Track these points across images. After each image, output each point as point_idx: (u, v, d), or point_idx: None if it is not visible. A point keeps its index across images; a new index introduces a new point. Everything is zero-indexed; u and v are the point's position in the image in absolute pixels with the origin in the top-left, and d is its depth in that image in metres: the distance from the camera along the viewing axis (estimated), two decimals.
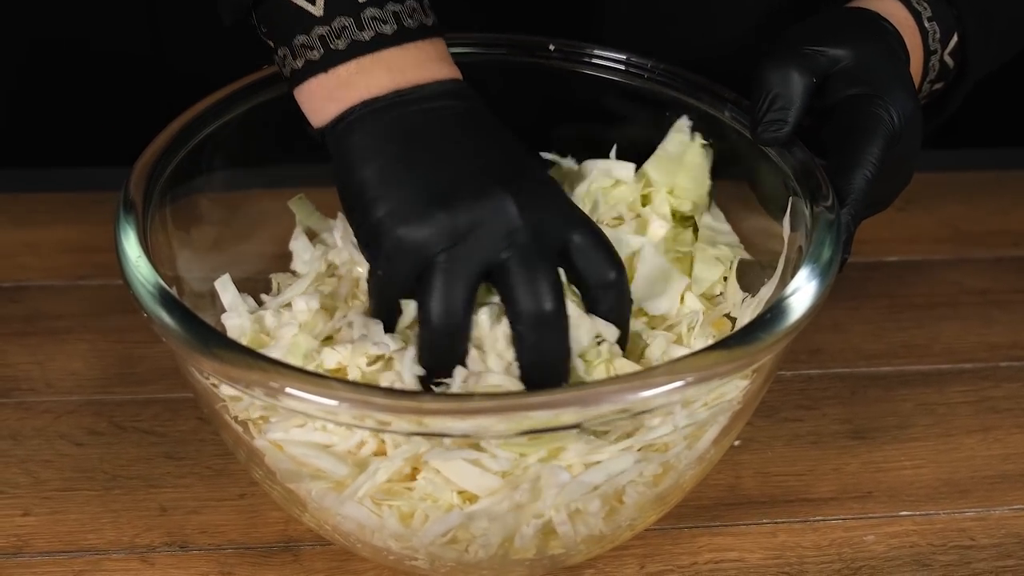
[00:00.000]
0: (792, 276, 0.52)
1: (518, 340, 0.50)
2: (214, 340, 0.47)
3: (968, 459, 0.64)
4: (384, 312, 0.52)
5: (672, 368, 0.47)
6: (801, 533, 0.59)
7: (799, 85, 0.56)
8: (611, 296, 0.52)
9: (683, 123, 0.61)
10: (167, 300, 0.48)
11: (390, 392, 0.47)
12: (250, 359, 0.46)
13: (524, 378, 0.50)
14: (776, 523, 0.60)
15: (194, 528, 0.59)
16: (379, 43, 0.52)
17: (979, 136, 0.88)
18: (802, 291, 0.51)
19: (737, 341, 0.48)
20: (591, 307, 0.52)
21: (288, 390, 0.45)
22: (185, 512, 0.59)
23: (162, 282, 0.49)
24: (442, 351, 0.50)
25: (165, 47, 0.78)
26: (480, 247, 0.49)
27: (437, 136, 0.51)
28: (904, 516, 0.60)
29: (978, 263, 0.75)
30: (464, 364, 0.50)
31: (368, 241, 0.51)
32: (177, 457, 0.62)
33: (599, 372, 0.51)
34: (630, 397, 0.46)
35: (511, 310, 0.49)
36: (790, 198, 0.56)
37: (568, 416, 0.46)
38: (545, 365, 0.50)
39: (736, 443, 0.63)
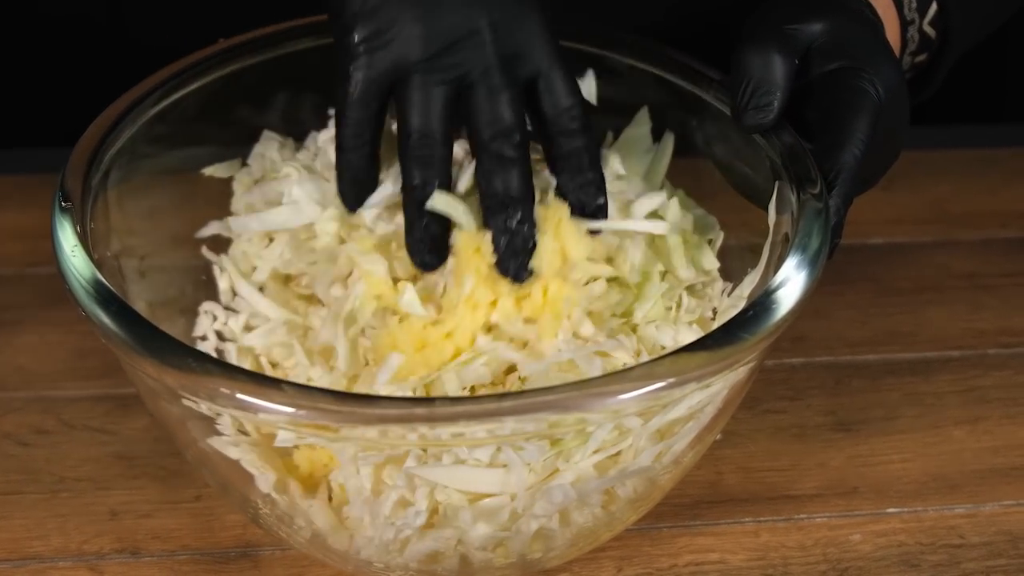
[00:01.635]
0: (777, 265, 0.50)
1: (479, 167, 0.50)
2: (157, 342, 0.43)
3: (957, 452, 0.61)
4: (347, 114, 0.50)
5: (649, 371, 0.44)
6: (785, 532, 0.57)
7: (782, 68, 0.53)
8: (574, 140, 0.51)
9: (643, 116, 0.58)
10: (104, 296, 0.45)
11: (345, 397, 0.44)
12: (195, 362, 0.43)
13: (485, 210, 0.50)
14: (759, 522, 0.57)
15: (146, 533, 0.56)
16: None
17: (967, 112, 0.85)
18: (790, 283, 0.48)
19: (719, 340, 0.45)
20: (550, 149, 0.51)
21: (239, 396, 0.42)
22: (137, 516, 0.56)
23: (99, 275, 0.46)
24: (425, 160, 0.50)
25: (124, 14, 0.74)
26: (454, 64, 0.49)
27: None
28: (891, 513, 0.58)
29: (965, 245, 0.73)
30: (448, 175, 0.50)
31: (343, 28, 0.50)
32: (129, 457, 0.59)
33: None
34: (606, 402, 0.43)
35: (473, 136, 0.50)
36: (776, 182, 0.53)
37: (536, 423, 0.43)
38: (506, 199, 0.50)
39: (717, 437, 0.60)
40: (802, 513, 0.58)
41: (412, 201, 0.50)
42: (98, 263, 0.48)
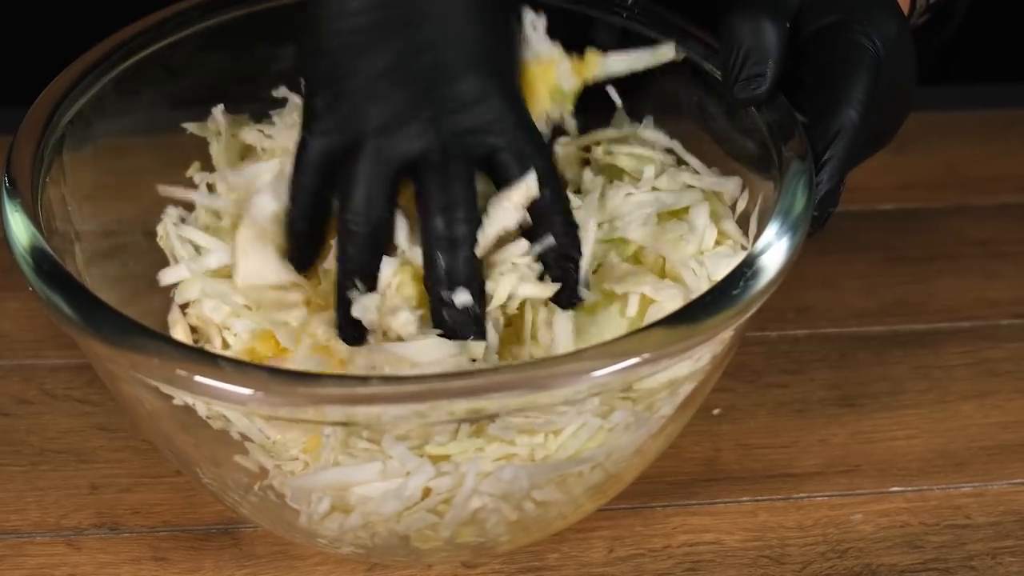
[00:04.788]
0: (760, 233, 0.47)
1: (423, 245, 0.48)
2: (104, 319, 0.42)
3: (964, 428, 0.59)
4: (299, 179, 0.49)
5: (607, 350, 0.41)
6: (783, 512, 0.55)
7: (773, 34, 0.50)
8: (548, 221, 0.49)
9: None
10: (41, 263, 0.43)
11: (284, 375, 0.41)
12: (144, 339, 0.41)
13: (433, 312, 0.47)
14: (757, 501, 0.55)
15: (126, 508, 0.54)
16: None
17: (984, 71, 0.82)
18: (771, 251, 0.45)
19: (688, 316, 0.42)
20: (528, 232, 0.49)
21: (198, 379, 0.40)
22: (117, 490, 0.55)
23: (44, 243, 0.44)
24: (363, 245, 0.48)
25: None
26: (406, 140, 0.47)
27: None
28: (894, 492, 0.56)
29: (980, 211, 0.70)
30: (379, 259, 0.48)
31: (310, 90, 0.49)
32: (111, 429, 0.57)
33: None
34: (556, 385, 0.40)
35: (420, 211, 0.48)
36: (771, 153, 0.51)
37: (486, 404, 0.41)
38: (450, 278, 0.48)
39: (716, 412, 0.59)
40: (802, 492, 0.56)
41: (339, 280, 0.48)
42: (51, 233, 0.47)
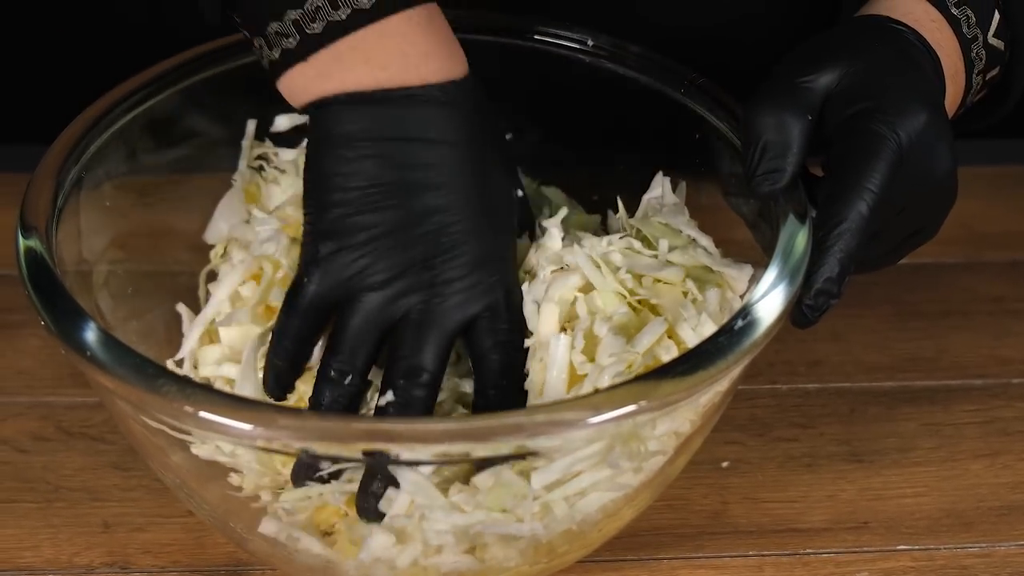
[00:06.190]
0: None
1: (382, 396, 0.50)
2: (120, 354, 0.43)
3: (973, 487, 0.59)
4: (288, 320, 0.50)
5: (583, 403, 0.41)
6: (790, 568, 0.55)
7: (795, 128, 0.50)
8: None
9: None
10: (62, 307, 0.45)
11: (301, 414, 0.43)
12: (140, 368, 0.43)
13: None
14: (763, 556, 0.56)
15: (138, 547, 0.55)
16: (356, 21, 0.47)
17: (998, 126, 0.83)
18: (766, 300, 0.46)
19: (671, 372, 0.43)
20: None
21: (203, 414, 0.41)
22: (129, 529, 0.56)
23: (58, 278, 0.45)
24: (344, 394, 0.50)
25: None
26: (402, 296, 0.49)
27: (409, 160, 0.49)
28: (901, 551, 0.56)
29: (993, 267, 0.71)
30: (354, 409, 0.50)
31: (314, 236, 0.50)
32: (125, 468, 0.58)
33: None
34: (540, 435, 0.41)
35: (389, 365, 0.50)
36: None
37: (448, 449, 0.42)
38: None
39: (724, 464, 0.59)
40: (809, 548, 0.56)
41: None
42: (66, 272, 0.48)
